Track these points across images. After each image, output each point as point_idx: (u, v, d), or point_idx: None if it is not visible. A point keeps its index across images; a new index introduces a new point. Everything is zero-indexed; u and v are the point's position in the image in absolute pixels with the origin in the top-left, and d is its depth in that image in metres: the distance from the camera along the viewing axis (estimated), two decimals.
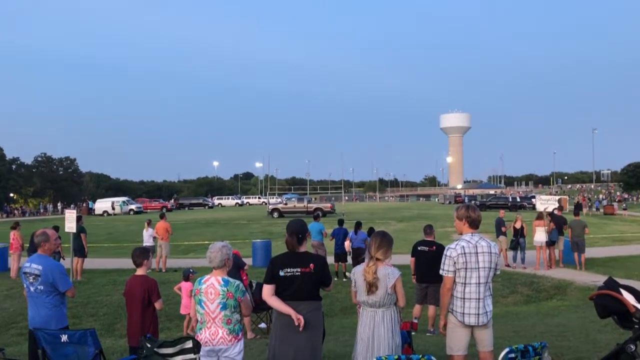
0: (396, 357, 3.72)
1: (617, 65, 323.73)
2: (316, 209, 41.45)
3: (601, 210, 50.15)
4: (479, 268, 4.60)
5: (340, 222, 16.29)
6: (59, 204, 71.24)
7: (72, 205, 58.09)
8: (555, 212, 17.76)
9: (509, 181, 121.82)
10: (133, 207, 59.75)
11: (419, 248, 9.23)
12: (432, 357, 3.68)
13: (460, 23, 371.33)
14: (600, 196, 74.18)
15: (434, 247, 9.10)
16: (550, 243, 16.52)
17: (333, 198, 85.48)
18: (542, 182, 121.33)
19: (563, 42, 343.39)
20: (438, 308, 9.16)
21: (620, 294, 4.43)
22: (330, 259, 14.97)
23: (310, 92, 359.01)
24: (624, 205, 55.68)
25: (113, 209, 57.32)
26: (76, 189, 76.09)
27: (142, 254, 5.68)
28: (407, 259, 10.85)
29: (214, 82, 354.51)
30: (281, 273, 4.54)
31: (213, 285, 4.45)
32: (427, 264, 8.98)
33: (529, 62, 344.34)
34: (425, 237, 9.38)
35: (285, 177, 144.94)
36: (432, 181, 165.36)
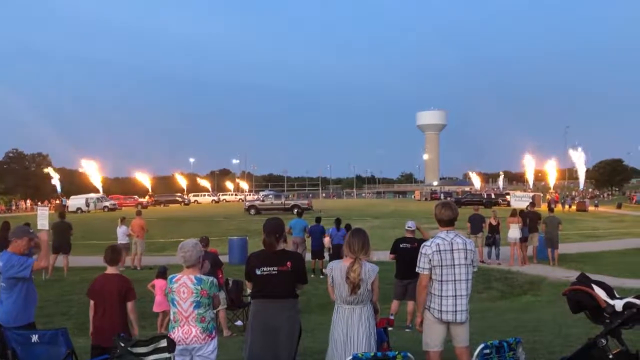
0: (372, 354, 3.71)
1: (590, 63, 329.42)
2: (294, 206, 41.39)
3: (573, 206, 51.02)
4: (454, 265, 4.62)
5: (318, 219, 16.30)
6: (28, 201, 69.90)
7: (40, 203, 57.01)
8: (529, 208, 18.02)
9: (485, 178, 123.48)
10: (107, 204, 58.93)
11: (401, 245, 9.24)
12: (409, 354, 3.68)
13: (436, 21, 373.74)
14: (573, 193, 75.44)
15: (416, 244, 9.17)
16: (523, 239, 16.78)
17: (310, 195, 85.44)
18: (517, 179, 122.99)
19: (538, 40, 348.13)
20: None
21: (592, 289, 4.50)
22: (307, 256, 14.97)
23: (288, 88, 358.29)
24: (596, 201, 56.78)
25: (87, 205, 56.43)
26: (49, 186, 74.69)
27: (118, 253, 5.55)
28: (383, 256, 10.90)
29: (189, 77, 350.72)
30: (257, 272, 4.51)
31: (185, 284, 4.38)
32: (410, 261, 9.08)
33: (504, 60, 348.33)
34: (406, 234, 9.43)
35: (263, 173, 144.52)
36: (408, 178, 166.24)
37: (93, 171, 72.00)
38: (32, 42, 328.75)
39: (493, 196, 58.14)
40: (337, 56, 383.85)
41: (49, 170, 72.15)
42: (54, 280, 14.65)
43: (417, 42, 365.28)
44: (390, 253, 9.42)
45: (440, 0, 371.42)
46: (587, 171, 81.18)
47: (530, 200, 18.53)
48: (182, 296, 4.37)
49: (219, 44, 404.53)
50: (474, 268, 4.78)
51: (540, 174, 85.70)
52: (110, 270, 5.43)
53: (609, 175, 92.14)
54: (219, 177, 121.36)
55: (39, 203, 55.86)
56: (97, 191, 67.38)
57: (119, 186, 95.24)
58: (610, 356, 4.18)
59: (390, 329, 6.03)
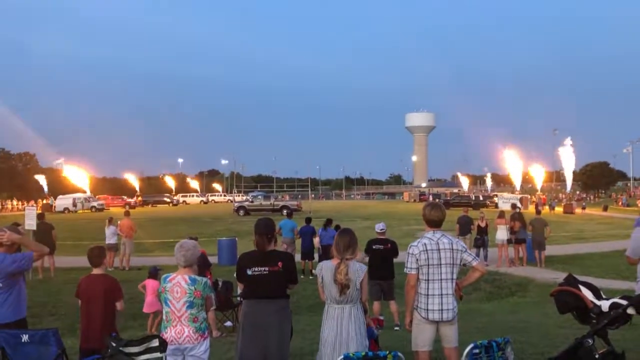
0: (363, 353, 3.74)
1: (578, 66, 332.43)
2: (283, 207, 41.36)
3: (559, 209, 51.40)
4: (440, 264, 4.68)
5: (308, 220, 16.30)
6: (14, 200, 69.25)
7: (26, 203, 56.52)
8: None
9: (473, 180, 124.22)
10: (95, 204, 58.55)
11: (373, 247, 9.34)
12: (399, 353, 3.72)
13: (425, 24, 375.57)
14: (560, 195, 75.95)
15: (389, 245, 9.31)
16: (520, 241, 16.89)
17: (300, 196, 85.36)
18: (504, 181, 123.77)
19: (525, 44, 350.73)
20: (397, 303, 9.31)
21: (579, 290, 4.56)
22: (297, 257, 14.99)
23: (277, 89, 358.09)
24: (583, 204, 57.29)
25: (75, 205, 56.04)
26: (36, 186, 74.17)
27: (101, 253, 5.46)
28: None
29: (178, 77, 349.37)
30: (249, 272, 4.52)
31: (179, 284, 4.39)
32: (382, 261, 9.17)
33: (492, 62, 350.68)
34: (378, 236, 9.50)
35: (252, 174, 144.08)
36: (397, 179, 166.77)
37: (71, 170, 72.11)
38: (20, 41, 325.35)
39: (481, 198, 58.56)
40: (327, 57, 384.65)
41: (38, 177, 72.17)
42: (42, 280, 14.56)
43: (406, 44, 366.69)
44: (365, 252, 9.48)
45: (430, 3, 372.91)
46: (574, 174, 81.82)
47: (512, 202, 18.88)
48: (175, 296, 4.38)
49: (210, 44, 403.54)
50: (475, 261, 4.81)
51: (527, 176, 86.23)
52: (96, 270, 5.34)
53: (596, 178, 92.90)
54: (208, 177, 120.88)
55: (25, 203, 55.41)
56: (84, 191, 66.95)
57: (107, 186, 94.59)
58: (597, 356, 4.24)
59: (380, 330, 6.06)
